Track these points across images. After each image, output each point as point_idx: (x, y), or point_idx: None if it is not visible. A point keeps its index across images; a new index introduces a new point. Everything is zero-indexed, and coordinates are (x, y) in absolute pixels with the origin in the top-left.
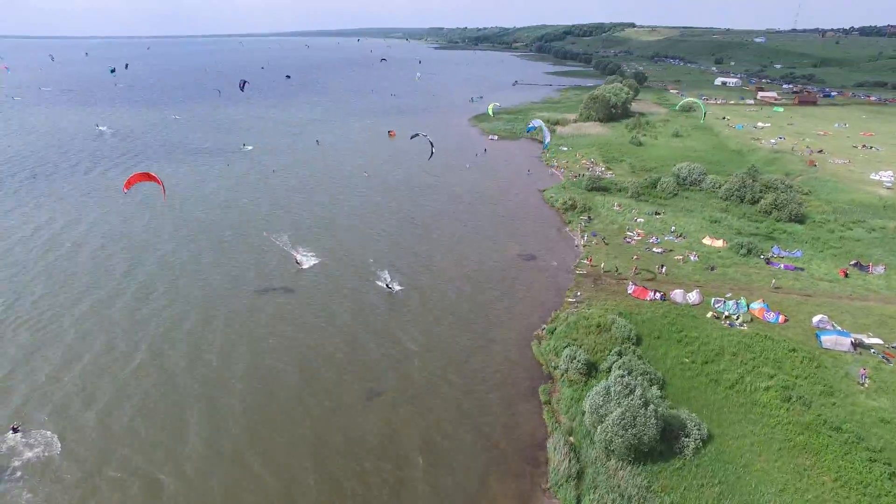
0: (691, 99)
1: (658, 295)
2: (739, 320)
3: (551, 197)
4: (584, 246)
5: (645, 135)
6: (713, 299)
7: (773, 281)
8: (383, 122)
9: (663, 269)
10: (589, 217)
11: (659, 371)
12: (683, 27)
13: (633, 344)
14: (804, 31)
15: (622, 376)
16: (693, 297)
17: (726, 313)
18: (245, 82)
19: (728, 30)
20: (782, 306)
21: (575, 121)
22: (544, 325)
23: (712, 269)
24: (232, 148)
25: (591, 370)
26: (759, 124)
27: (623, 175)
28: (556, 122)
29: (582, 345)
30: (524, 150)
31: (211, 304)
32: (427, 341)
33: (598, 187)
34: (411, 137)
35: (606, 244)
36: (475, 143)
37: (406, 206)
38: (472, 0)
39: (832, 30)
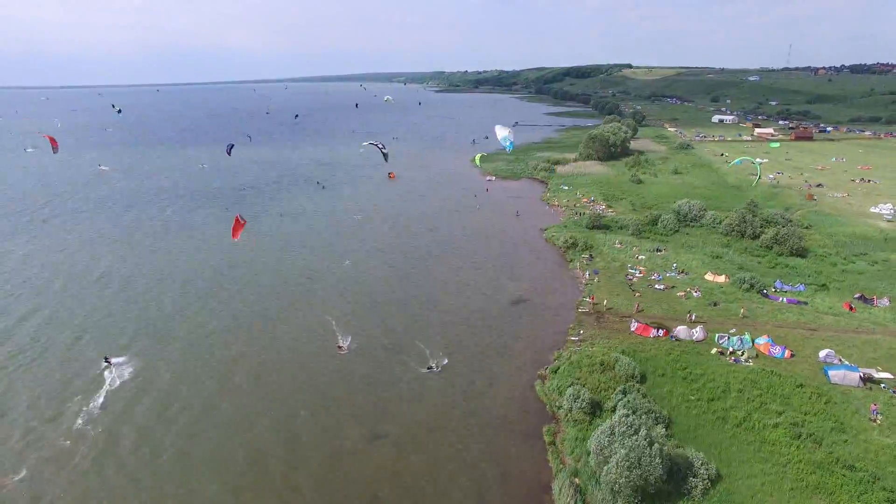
0: (747, 158)
1: (661, 332)
2: (745, 356)
3: (552, 236)
4: (586, 284)
5: (644, 172)
6: (717, 335)
7: (742, 310)
8: (384, 164)
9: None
10: (591, 255)
11: (664, 409)
12: (679, 67)
13: (637, 382)
14: (796, 69)
15: (626, 415)
16: (697, 333)
17: (731, 349)
18: (232, 146)
19: (723, 69)
20: (787, 341)
21: (575, 160)
22: (547, 365)
23: (715, 304)
24: (232, 191)
25: (595, 409)
26: (758, 160)
27: (624, 213)
28: (557, 162)
29: (585, 384)
30: (524, 189)
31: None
32: (430, 383)
33: (599, 225)
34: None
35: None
36: (475, 183)
37: (407, 247)
38: (472, 45)
39: (824, 68)
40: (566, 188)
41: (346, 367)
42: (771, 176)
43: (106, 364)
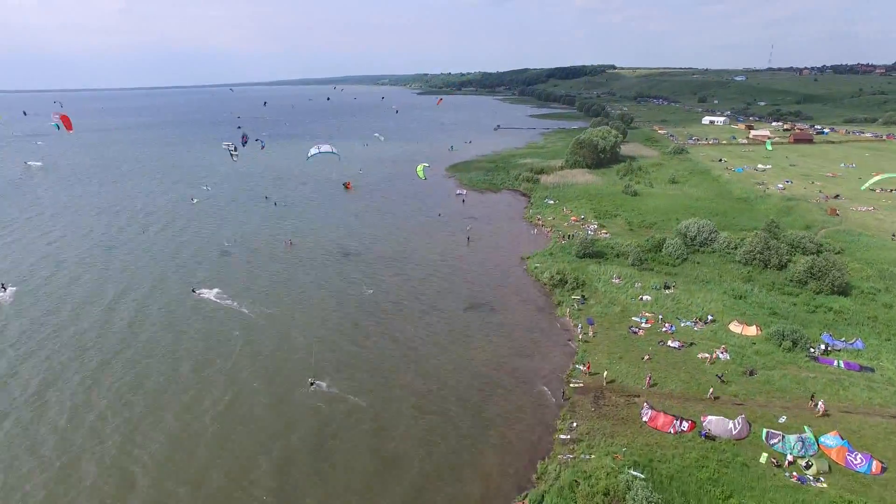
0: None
1: (685, 424)
2: (812, 469)
3: (536, 268)
4: (579, 340)
5: (638, 182)
6: (765, 431)
7: (820, 406)
8: (342, 176)
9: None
10: (583, 297)
11: None
12: (662, 68)
13: None
14: (779, 69)
15: None
16: (736, 426)
17: (789, 456)
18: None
19: (706, 69)
20: (867, 440)
21: (561, 168)
22: (526, 488)
23: (751, 373)
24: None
25: None
26: (760, 166)
27: (619, 233)
28: (541, 171)
29: None
30: (504, 203)
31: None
32: None
33: (592, 253)
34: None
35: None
36: (447, 196)
37: (347, 291)
38: (458, 47)
39: (808, 68)
40: (551, 202)
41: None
42: (780, 185)
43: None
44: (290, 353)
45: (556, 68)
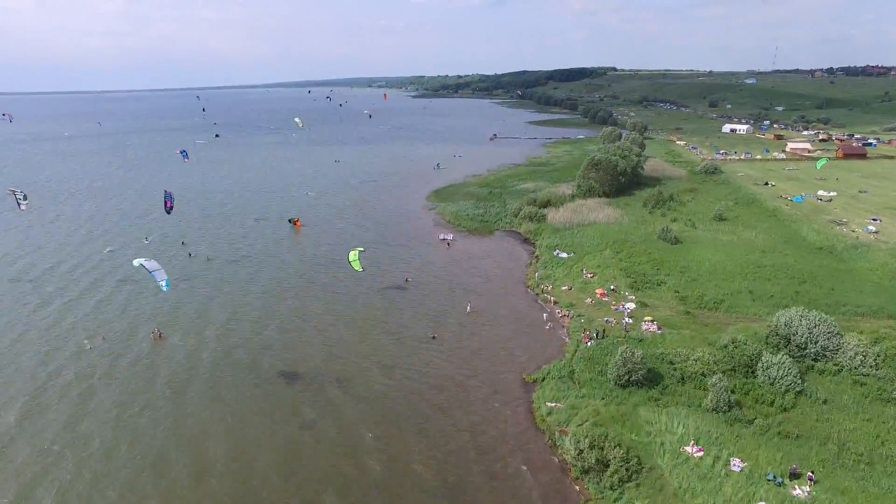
0: None
1: None
2: None
3: (550, 411)
4: None
5: (675, 219)
6: None
7: None
8: (287, 211)
9: None
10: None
11: None
12: (664, 70)
13: None
14: (786, 71)
15: None
16: None
17: None
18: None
19: (710, 72)
20: None
21: (572, 197)
22: None
23: None
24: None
25: None
26: (822, 193)
27: (670, 319)
28: (547, 203)
29: None
30: (499, 254)
31: None
32: None
33: (641, 380)
34: None
35: None
36: (425, 241)
37: (233, 447)
38: (455, 49)
39: (819, 70)
40: (564, 256)
41: None
42: (871, 227)
43: None
44: None
45: (556, 70)
